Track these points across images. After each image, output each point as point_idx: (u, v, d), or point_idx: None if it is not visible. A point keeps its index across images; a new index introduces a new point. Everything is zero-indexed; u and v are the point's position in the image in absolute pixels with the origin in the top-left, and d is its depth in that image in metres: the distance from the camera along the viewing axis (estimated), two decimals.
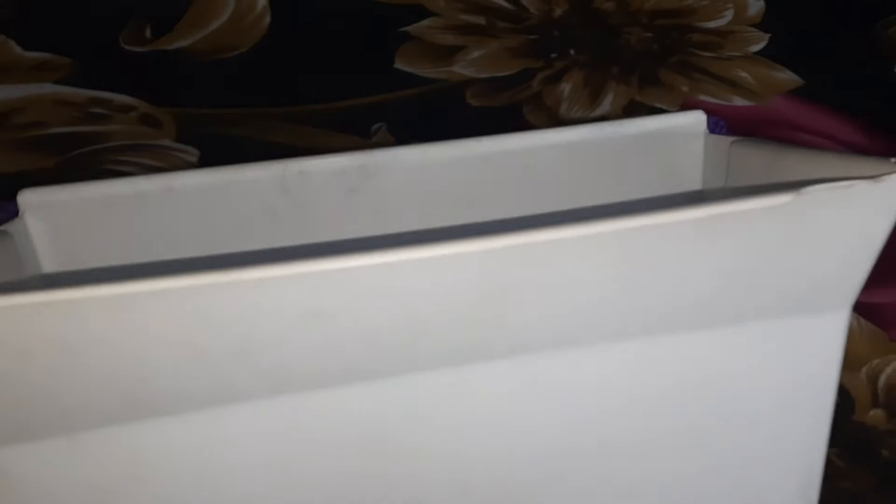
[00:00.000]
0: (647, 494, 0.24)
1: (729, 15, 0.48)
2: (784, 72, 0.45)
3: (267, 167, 0.24)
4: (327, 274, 0.18)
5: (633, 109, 0.43)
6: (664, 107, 0.43)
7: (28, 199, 0.22)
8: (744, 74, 0.45)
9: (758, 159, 0.25)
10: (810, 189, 0.19)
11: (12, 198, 0.33)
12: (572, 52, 0.46)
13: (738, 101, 0.43)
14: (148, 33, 0.46)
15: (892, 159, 0.20)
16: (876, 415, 0.32)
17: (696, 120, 0.26)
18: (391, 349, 0.20)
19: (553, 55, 0.46)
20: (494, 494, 0.24)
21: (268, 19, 0.47)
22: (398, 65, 0.45)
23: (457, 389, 0.22)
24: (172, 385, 0.20)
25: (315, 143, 0.41)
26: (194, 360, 0.19)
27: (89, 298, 0.17)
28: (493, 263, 0.19)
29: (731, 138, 0.26)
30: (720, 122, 0.27)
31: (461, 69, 0.45)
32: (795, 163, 0.23)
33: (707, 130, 0.26)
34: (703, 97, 0.44)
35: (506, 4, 0.49)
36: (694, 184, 0.28)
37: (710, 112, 0.43)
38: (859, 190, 0.19)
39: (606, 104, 0.43)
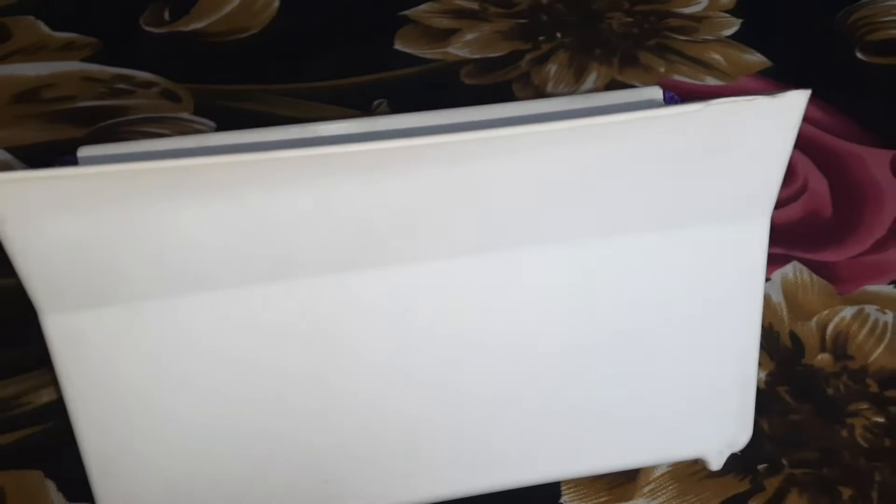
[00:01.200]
0: (593, 394, 0.28)
1: (704, 1, 0.52)
2: (754, 54, 0.48)
3: (288, 130, 0.28)
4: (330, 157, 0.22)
5: (614, 88, 0.47)
6: (642, 85, 0.47)
7: (86, 153, 0.25)
8: (717, 56, 0.48)
9: None
10: (718, 101, 0.23)
11: (48, 166, 0.37)
12: (558, 35, 0.50)
13: (711, 81, 0.47)
14: (167, 15, 0.49)
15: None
16: (823, 358, 0.35)
17: (653, 94, 0.30)
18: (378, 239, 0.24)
19: (541, 38, 0.49)
20: (452, 392, 0.27)
21: (276, 3, 0.50)
22: (398, 46, 0.48)
23: (410, 285, 0.25)
24: (215, 259, 0.23)
25: (321, 118, 0.44)
26: (227, 235, 0.23)
27: (152, 170, 0.21)
28: (462, 156, 0.23)
29: None
30: (675, 97, 0.30)
31: (456, 50, 0.48)
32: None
33: (663, 102, 0.30)
34: (678, 77, 0.47)
35: None
36: None
37: (682, 91, 0.47)
38: (760, 104, 0.23)
39: (589, 83, 0.47)
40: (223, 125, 0.43)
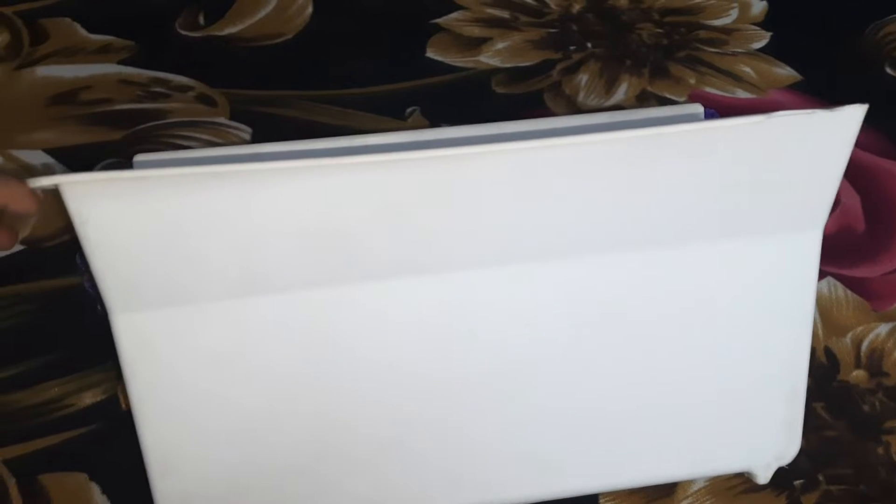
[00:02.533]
0: (642, 406, 0.28)
1: (734, 14, 0.52)
2: (784, 68, 0.49)
3: (335, 141, 0.28)
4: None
5: (644, 98, 0.47)
6: (673, 97, 0.47)
7: (142, 159, 0.26)
8: (746, 69, 0.49)
9: None
10: (778, 114, 0.24)
11: (87, 169, 0.37)
12: (589, 45, 0.50)
13: (741, 94, 0.47)
14: (202, 20, 0.49)
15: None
16: (858, 375, 0.36)
17: (693, 110, 0.30)
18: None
19: (571, 48, 0.50)
20: (496, 402, 0.27)
21: (310, 9, 0.51)
22: (430, 54, 0.48)
23: (453, 294, 0.26)
24: (281, 263, 0.24)
25: (354, 124, 0.44)
26: (299, 240, 0.24)
27: (230, 173, 0.22)
28: (491, 170, 0.24)
29: None
30: (715, 114, 0.30)
31: (487, 59, 0.48)
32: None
33: (703, 119, 0.30)
34: (708, 89, 0.47)
35: (528, 0, 0.52)
36: None
37: (713, 105, 0.47)
38: (819, 118, 0.24)
39: (620, 93, 0.47)
40: (259, 130, 0.43)
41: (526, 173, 0.24)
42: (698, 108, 0.30)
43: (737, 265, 0.27)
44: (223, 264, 0.24)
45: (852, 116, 0.24)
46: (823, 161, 0.25)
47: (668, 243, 0.26)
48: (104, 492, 0.31)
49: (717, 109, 0.46)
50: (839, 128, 0.25)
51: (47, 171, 0.41)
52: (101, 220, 0.23)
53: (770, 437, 0.30)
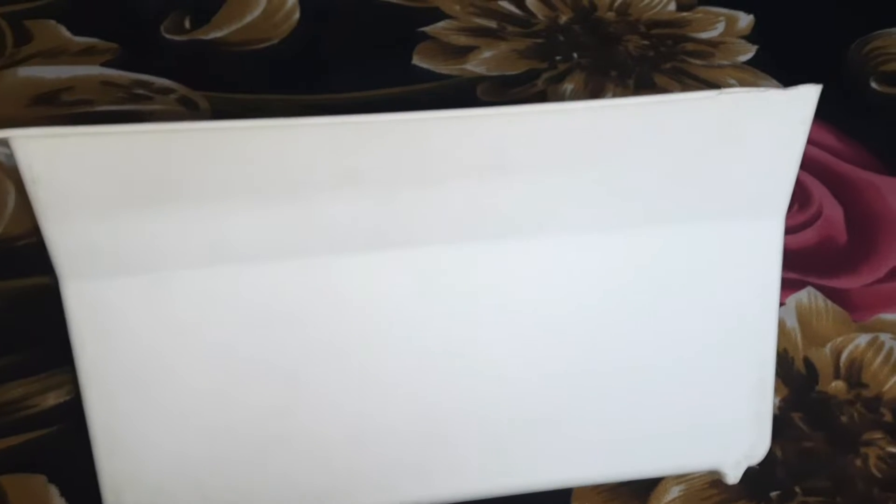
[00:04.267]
0: (608, 400, 0.28)
1: (721, 27, 0.52)
2: (769, 80, 0.49)
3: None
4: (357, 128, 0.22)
5: None
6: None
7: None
8: (732, 81, 0.49)
9: None
10: (730, 90, 0.23)
11: None
12: (575, 55, 0.50)
13: None
14: (188, 24, 0.49)
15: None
16: (837, 386, 0.35)
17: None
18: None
19: (558, 58, 0.50)
20: (466, 393, 0.27)
21: (297, 15, 0.51)
22: (416, 61, 0.48)
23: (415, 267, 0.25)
24: (242, 232, 0.24)
25: None
26: (261, 209, 0.23)
27: (190, 130, 0.22)
28: (458, 140, 0.23)
29: None
30: None
31: (473, 67, 0.49)
32: None
33: None
34: None
35: (515, 10, 0.52)
36: None
37: None
38: (772, 96, 0.24)
39: None
40: None
41: (489, 146, 0.24)
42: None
43: (696, 252, 0.27)
44: (181, 232, 0.23)
45: (806, 96, 0.24)
46: (779, 143, 0.25)
47: (624, 227, 0.26)
48: (63, 494, 0.30)
49: None
50: (794, 108, 0.24)
51: None
52: (53, 181, 0.22)
53: (738, 433, 0.29)
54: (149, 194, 0.23)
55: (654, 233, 0.26)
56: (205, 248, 0.24)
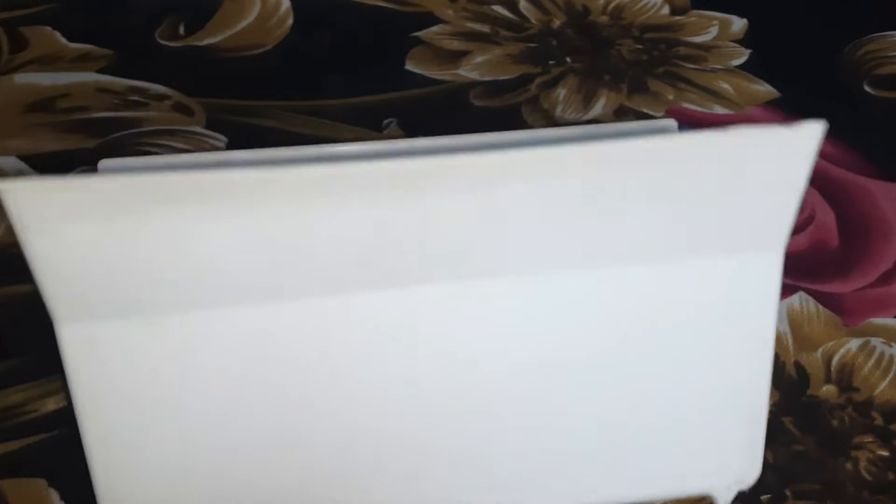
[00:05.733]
0: (597, 424, 0.28)
1: (714, 31, 0.52)
2: (762, 84, 0.49)
3: (304, 150, 0.27)
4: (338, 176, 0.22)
5: (622, 113, 0.47)
6: (651, 112, 0.47)
7: (107, 165, 0.25)
8: (725, 86, 0.49)
9: None
10: (736, 128, 0.23)
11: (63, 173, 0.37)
12: (568, 59, 0.50)
13: (719, 110, 0.47)
14: (182, 30, 0.49)
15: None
16: (828, 390, 0.35)
17: (667, 125, 0.30)
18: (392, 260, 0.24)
19: (551, 62, 0.50)
20: (454, 414, 0.27)
21: (290, 21, 0.51)
22: (408, 66, 0.49)
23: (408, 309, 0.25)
24: (235, 276, 0.24)
25: (331, 135, 0.44)
26: (244, 251, 0.23)
27: (175, 181, 0.22)
28: (471, 178, 0.23)
29: None
30: (688, 129, 0.30)
31: (466, 72, 0.49)
32: None
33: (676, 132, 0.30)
34: (686, 105, 0.48)
35: (508, 14, 0.53)
36: None
37: (690, 120, 0.47)
38: (778, 133, 0.24)
39: (598, 108, 0.47)
40: (234, 140, 0.44)
41: (479, 185, 0.24)
42: (672, 124, 0.30)
43: (694, 286, 0.27)
44: (175, 275, 0.24)
45: (811, 133, 0.24)
46: (782, 179, 0.25)
47: (623, 261, 0.26)
48: (63, 497, 0.31)
49: (695, 124, 0.47)
50: (798, 145, 0.24)
51: (19, 176, 0.41)
52: (43, 227, 0.22)
53: (730, 459, 0.29)
54: (140, 240, 0.23)
55: (651, 268, 0.26)
56: (197, 291, 0.24)
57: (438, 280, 0.26)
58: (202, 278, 0.24)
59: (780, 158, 0.25)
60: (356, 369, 0.26)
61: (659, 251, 0.26)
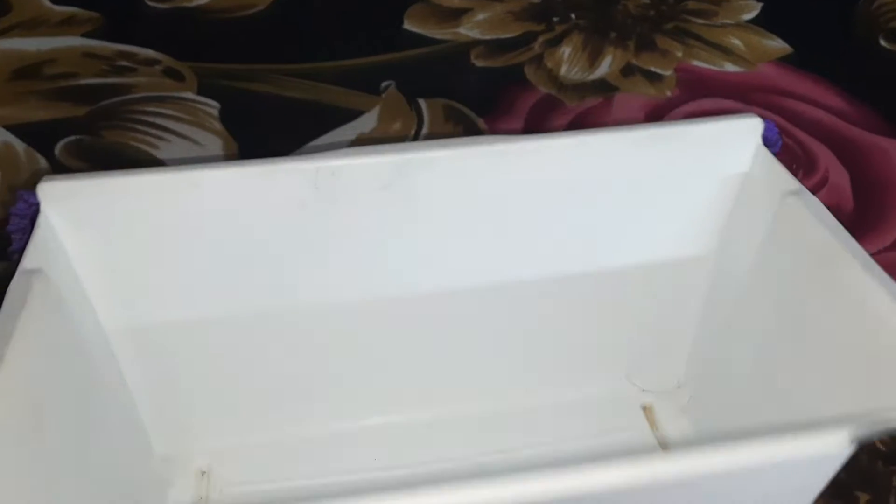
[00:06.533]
0: None
1: None
2: (774, 40, 0.47)
3: (299, 164, 0.25)
4: None
5: (629, 72, 0.45)
6: (658, 70, 0.45)
7: (47, 190, 0.23)
8: (736, 41, 0.47)
9: None
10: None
11: (49, 146, 0.36)
12: (573, 16, 0.48)
13: (730, 67, 0.46)
14: None
15: None
16: None
17: (751, 125, 0.27)
18: None
19: (555, 19, 0.48)
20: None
21: None
22: (407, 26, 0.47)
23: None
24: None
25: (327, 99, 0.43)
26: None
27: None
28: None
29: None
30: (773, 126, 0.28)
31: (466, 31, 0.47)
32: None
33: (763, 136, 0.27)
34: (696, 62, 0.46)
35: None
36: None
37: (700, 78, 0.45)
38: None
39: (604, 66, 0.45)
40: (227, 106, 0.42)
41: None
42: (756, 125, 0.27)
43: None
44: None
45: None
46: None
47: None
48: None
49: (704, 82, 0.45)
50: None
51: (5, 148, 0.39)
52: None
53: None
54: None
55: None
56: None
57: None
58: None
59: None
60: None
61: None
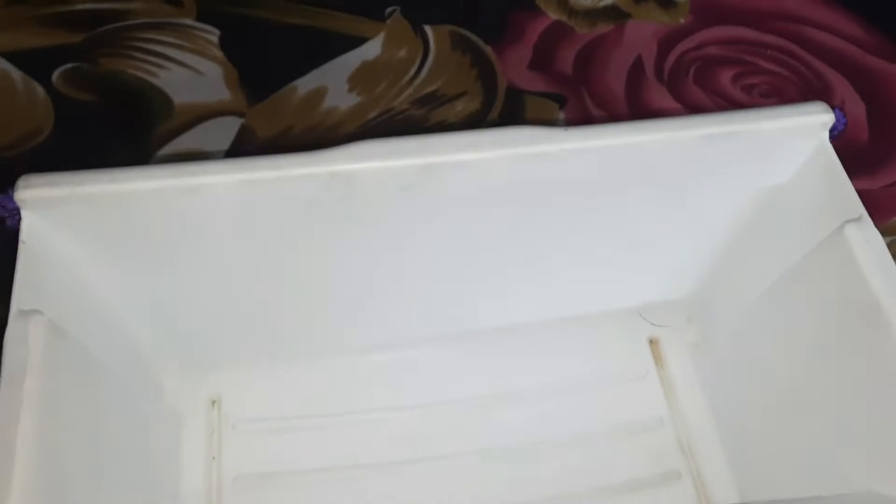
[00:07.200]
0: None
1: None
2: None
3: (313, 169, 0.24)
4: None
5: None
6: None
7: (30, 203, 0.22)
8: None
9: None
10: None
11: (46, 74, 0.35)
12: None
13: None
14: None
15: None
16: None
17: (820, 114, 0.26)
18: None
19: None
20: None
21: None
22: None
23: None
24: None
25: (329, 25, 0.42)
26: None
27: None
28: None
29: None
30: (842, 117, 0.27)
31: None
32: None
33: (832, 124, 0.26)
34: None
35: None
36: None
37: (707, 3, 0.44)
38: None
39: None
40: (227, 33, 0.41)
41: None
42: (824, 115, 0.26)
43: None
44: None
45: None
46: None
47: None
48: None
49: (718, 8, 0.43)
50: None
51: (3, 75, 0.39)
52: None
53: None
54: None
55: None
56: None
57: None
58: None
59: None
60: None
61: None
